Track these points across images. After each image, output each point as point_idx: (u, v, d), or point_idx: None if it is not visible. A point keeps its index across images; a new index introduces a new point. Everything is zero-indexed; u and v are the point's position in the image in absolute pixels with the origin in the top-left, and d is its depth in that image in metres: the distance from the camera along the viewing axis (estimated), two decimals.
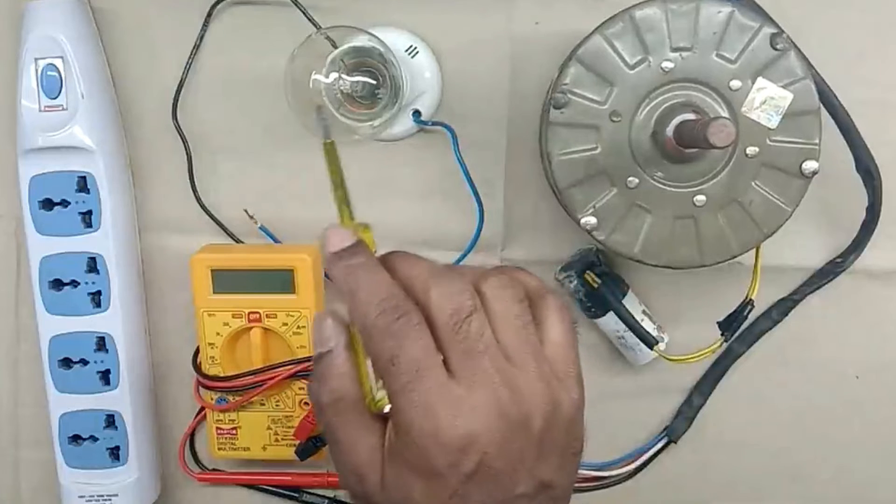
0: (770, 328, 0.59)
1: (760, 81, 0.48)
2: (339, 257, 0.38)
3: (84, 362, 0.58)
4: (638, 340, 0.56)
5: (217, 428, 0.59)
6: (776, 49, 0.47)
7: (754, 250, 0.52)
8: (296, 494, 0.62)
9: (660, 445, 0.61)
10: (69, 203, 0.56)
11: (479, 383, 0.34)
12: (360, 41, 0.54)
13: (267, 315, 0.57)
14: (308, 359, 0.57)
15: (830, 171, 0.53)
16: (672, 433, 0.61)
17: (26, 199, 0.56)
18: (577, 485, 0.61)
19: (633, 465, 0.61)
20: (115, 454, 0.59)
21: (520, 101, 0.57)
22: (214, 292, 0.56)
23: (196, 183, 0.59)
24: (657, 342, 0.56)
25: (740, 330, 0.58)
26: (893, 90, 0.56)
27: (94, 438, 0.59)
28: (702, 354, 0.55)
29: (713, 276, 0.57)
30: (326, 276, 0.57)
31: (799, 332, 0.60)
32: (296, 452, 0.58)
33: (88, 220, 0.56)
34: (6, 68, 0.57)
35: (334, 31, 0.54)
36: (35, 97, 0.55)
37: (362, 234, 0.40)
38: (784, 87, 0.48)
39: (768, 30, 0.47)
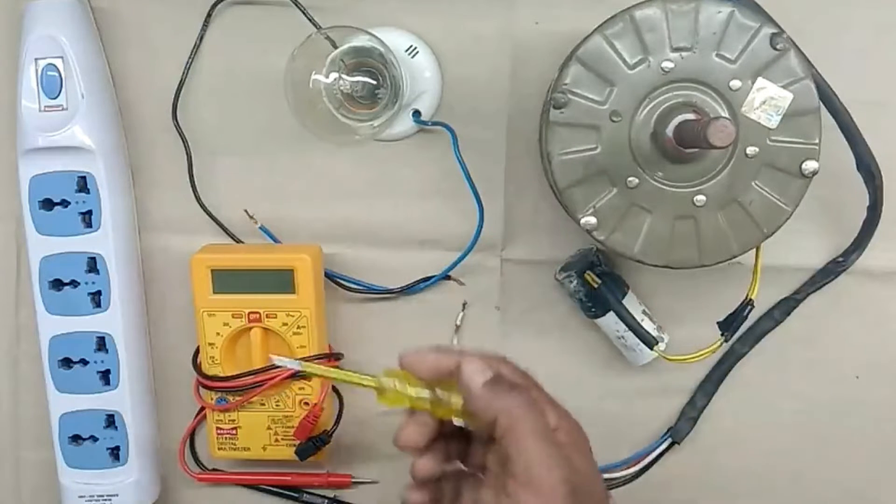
0: (772, 328, 0.59)
1: (760, 81, 0.47)
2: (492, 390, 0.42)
3: (84, 362, 0.58)
4: (638, 340, 0.56)
5: (217, 428, 0.59)
6: (776, 49, 0.47)
7: (754, 250, 0.52)
8: (296, 494, 0.62)
9: (663, 447, 0.61)
10: (69, 203, 0.56)
11: None
12: (360, 41, 0.54)
13: (267, 315, 0.56)
14: (308, 358, 0.57)
15: (831, 171, 0.53)
16: (675, 434, 0.61)
17: (26, 199, 0.56)
18: None
19: (637, 467, 0.61)
20: (115, 454, 0.59)
21: (520, 101, 0.57)
22: (214, 292, 0.56)
23: (196, 183, 0.59)
24: (657, 342, 0.56)
25: (743, 330, 0.58)
26: (893, 90, 0.56)
27: (94, 438, 0.59)
28: (702, 354, 0.54)
29: (713, 276, 0.57)
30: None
31: (800, 332, 0.60)
32: (296, 452, 0.58)
33: (88, 220, 0.56)
34: (6, 68, 0.57)
35: (334, 31, 0.54)
36: (35, 97, 0.55)
37: (397, 375, 0.44)
38: (784, 87, 0.47)
39: (768, 30, 0.47)
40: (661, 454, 0.61)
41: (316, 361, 0.57)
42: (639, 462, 0.61)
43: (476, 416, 0.42)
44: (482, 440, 0.44)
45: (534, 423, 0.40)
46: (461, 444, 0.45)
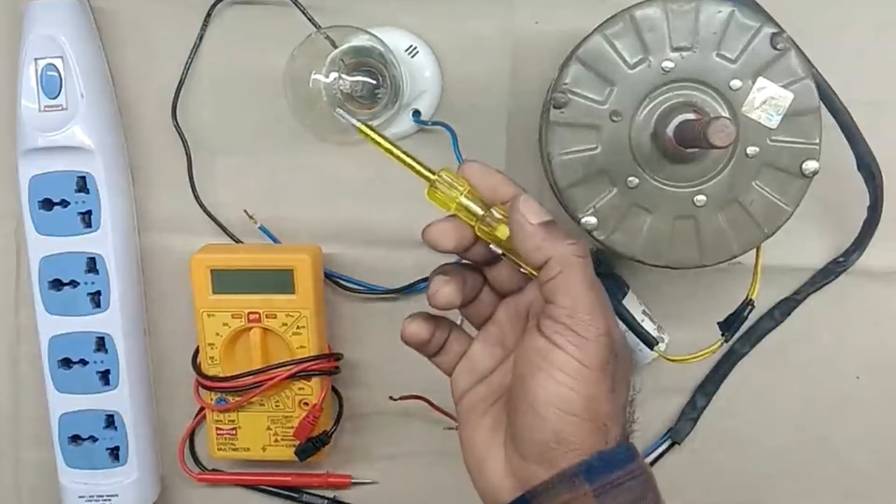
0: (772, 328, 0.59)
1: (761, 81, 0.47)
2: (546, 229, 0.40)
3: (84, 362, 0.58)
4: (638, 341, 0.56)
5: (217, 428, 0.59)
6: (776, 49, 0.47)
7: (755, 250, 0.52)
8: (295, 495, 0.62)
9: (663, 447, 0.61)
10: (69, 203, 0.56)
11: None
12: (360, 41, 0.54)
13: (267, 315, 0.56)
14: (308, 359, 0.57)
15: (831, 171, 0.53)
16: (675, 434, 0.61)
17: (26, 199, 0.56)
18: None
19: None
20: (115, 454, 0.59)
21: (520, 100, 0.57)
22: (214, 292, 0.56)
23: (196, 183, 0.59)
24: (657, 342, 0.56)
25: (743, 330, 0.58)
26: (893, 90, 0.56)
27: (94, 438, 0.59)
28: (702, 355, 0.54)
29: (713, 276, 0.57)
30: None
31: (800, 331, 0.60)
32: (295, 453, 0.58)
33: (88, 220, 0.56)
34: (6, 68, 0.57)
35: (334, 31, 0.54)
36: (35, 97, 0.55)
37: (455, 179, 0.42)
38: (784, 86, 0.47)
39: (768, 29, 0.47)
40: (662, 454, 0.61)
41: (315, 361, 0.57)
42: None
43: (523, 254, 0.40)
44: (498, 292, 0.45)
45: (586, 272, 0.40)
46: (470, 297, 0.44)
